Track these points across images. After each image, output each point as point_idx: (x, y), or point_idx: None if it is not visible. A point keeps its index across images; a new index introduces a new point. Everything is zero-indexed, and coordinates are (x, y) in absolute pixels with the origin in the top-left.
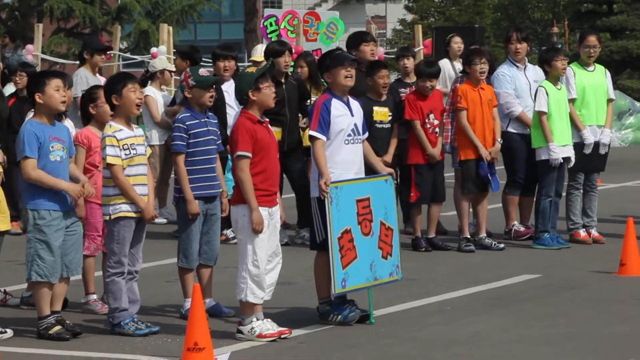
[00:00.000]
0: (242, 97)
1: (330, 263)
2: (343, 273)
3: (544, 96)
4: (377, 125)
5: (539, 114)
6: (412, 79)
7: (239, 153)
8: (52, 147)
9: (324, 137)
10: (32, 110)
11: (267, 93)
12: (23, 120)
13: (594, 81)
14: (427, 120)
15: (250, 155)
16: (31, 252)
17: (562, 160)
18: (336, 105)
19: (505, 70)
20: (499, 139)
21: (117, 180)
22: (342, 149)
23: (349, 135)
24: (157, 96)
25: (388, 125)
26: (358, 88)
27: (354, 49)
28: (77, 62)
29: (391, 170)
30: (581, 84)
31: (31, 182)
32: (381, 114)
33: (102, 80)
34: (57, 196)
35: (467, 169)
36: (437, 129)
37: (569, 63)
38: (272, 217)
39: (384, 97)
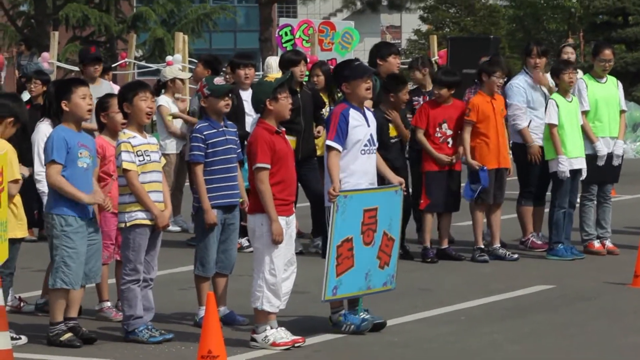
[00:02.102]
0: (258, 105)
1: (325, 269)
2: (336, 281)
3: (555, 108)
4: (392, 140)
5: (550, 127)
6: (428, 88)
7: (259, 165)
8: (81, 153)
9: (339, 148)
10: (42, 119)
11: (284, 104)
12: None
13: (606, 93)
14: (438, 129)
15: (269, 166)
16: (57, 260)
17: (568, 175)
18: (354, 116)
19: (520, 82)
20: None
21: (133, 186)
22: (358, 159)
23: (365, 145)
24: (171, 105)
25: (397, 139)
26: (376, 99)
27: (382, 59)
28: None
29: (401, 179)
30: (594, 96)
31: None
32: (392, 129)
33: (115, 88)
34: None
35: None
36: (449, 139)
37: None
38: (288, 226)
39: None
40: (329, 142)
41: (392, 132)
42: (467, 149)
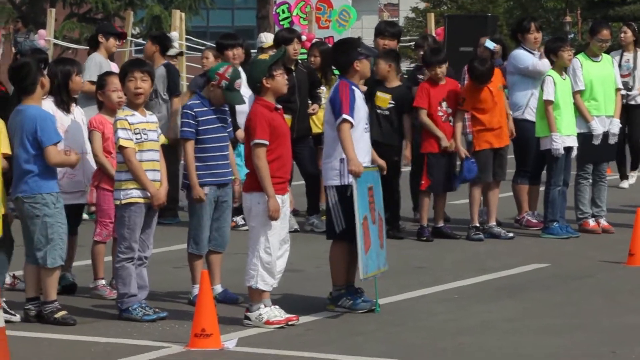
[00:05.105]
0: (255, 85)
1: (356, 250)
2: (365, 258)
3: (552, 85)
4: (375, 109)
5: (546, 103)
6: None
7: (257, 141)
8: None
9: (354, 122)
10: (45, 96)
11: (281, 80)
12: None
13: (601, 71)
14: (439, 109)
15: (267, 143)
16: (54, 237)
17: (562, 152)
18: (358, 93)
19: (522, 51)
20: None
21: (130, 163)
22: (363, 137)
23: (366, 123)
24: None
25: (386, 113)
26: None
27: (384, 39)
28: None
29: (382, 162)
30: (589, 75)
31: (54, 167)
32: (381, 99)
33: (114, 66)
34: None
35: (480, 158)
36: (450, 118)
37: (578, 53)
38: (283, 204)
39: (392, 84)
40: (345, 116)
41: (377, 102)
42: (458, 137)
